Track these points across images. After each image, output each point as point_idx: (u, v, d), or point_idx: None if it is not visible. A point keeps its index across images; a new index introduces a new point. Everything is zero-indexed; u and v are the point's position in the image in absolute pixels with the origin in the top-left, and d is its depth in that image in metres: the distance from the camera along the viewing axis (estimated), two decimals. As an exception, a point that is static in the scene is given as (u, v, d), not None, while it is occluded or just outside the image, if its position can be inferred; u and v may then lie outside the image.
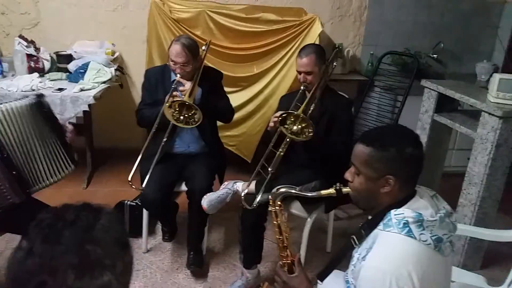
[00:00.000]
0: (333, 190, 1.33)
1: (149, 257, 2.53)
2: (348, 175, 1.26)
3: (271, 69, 3.20)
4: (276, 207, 1.44)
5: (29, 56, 3.22)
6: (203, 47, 2.42)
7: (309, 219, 2.26)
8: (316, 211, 2.29)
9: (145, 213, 2.46)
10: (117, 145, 3.64)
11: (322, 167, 2.22)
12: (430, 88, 2.80)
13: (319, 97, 2.26)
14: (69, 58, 3.30)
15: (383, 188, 1.18)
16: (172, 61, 2.26)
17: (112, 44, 3.42)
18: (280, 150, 2.11)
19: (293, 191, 1.44)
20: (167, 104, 2.11)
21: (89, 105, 3.00)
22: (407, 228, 1.10)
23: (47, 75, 3.23)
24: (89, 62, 3.21)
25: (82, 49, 3.33)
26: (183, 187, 2.41)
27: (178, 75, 2.27)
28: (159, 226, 2.76)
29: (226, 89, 3.24)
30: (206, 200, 2.14)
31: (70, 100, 2.94)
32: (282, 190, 1.44)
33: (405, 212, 1.12)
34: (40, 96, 1.95)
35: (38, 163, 1.90)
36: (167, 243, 2.67)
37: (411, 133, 1.22)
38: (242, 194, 2.06)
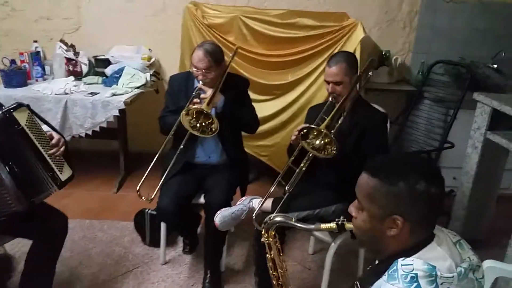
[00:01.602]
0: (334, 225, 1.14)
1: (166, 270, 2.44)
2: (352, 209, 1.07)
3: (307, 77, 3.02)
4: (270, 239, 1.26)
5: (68, 59, 3.28)
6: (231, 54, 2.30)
7: (333, 244, 2.05)
8: (342, 236, 2.07)
9: (163, 224, 2.38)
10: (151, 150, 3.61)
11: (348, 188, 2.00)
12: (483, 103, 2.48)
13: (349, 110, 2.05)
14: (107, 62, 3.33)
15: (389, 230, 0.97)
16: (195, 67, 2.16)
17: (149, 49, 3.40)
18: (301, 166, 1.93)
19: (289, 221, 1.25)
20: (184, 112, 2.01)
21: (121, 110, 2.99)
22: (415, 284, 0.88)
23: (84, 79, 3.28)
24: (124, 67, 3.21)
25: (119, 54, 3.34)
26: (202, 200, 2.30)
27: (200, 82, 2.16)
28: (181, 237, 2.67)
29: (259, 97, 3.15)
30: (219, 216, 2.00)
31: (101, 104, 2.94)
32: (277, 219, 1.25)
33: (415, 263, 0.91)
34: (9, 111, 1.69)
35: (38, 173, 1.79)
36: (187, 256, 2.57)
37: (428, 165, 1.01)
38: (254, 214, 1.90)
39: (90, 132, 3.01)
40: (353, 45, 2.95)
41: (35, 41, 3.32)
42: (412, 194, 0.94)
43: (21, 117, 1.72)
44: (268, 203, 1.97)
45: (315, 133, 1.89)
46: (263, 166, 3.31)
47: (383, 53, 3.50)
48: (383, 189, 0.97)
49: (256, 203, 2.06)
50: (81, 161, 3.78)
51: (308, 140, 1.90)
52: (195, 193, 2.33)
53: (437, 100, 3.22)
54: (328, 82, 2.04)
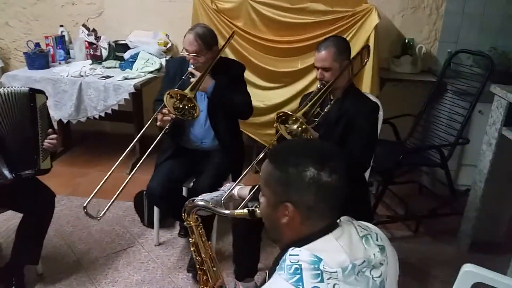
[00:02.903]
0: (245, 211, 1.10)
1: (158, 251, 2.49)
2: (260, 195, 1.02)
3: (317, 64, 2.92)
4: (191, 222, 1.24)
5: (89, 43, 3.40)
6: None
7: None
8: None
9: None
10: (167, 134, 3.69)
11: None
12: (499, 96, 2.27)
13: (338, 98, 1.97)
14: (125, 47, 3.42)
15: (283, 217, 0.92)
16: (186, 50, 2.16)
17: (166, 34, 3.45)
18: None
19: (208, 206, 1.22)
20: (167, 94, 2.02)
21: (134, 94, 3.07)
22: (298, 276, 0.83)
23: (104, 63, 3.39)
24: (139, 52, 3.28)
25: (137, 39, 3.41)
26: (192, 185, 2.31)
27: (192, 66, 2.16)
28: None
29: (268, 84, 3.10)
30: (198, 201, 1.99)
31: (113, 88, 3.03)
32: (198, 203, 1.23)
33: (301, 254, 0.85)
34: (33, 90, 1.92)
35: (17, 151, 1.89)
36: (182, 239, 2.60)
37: (324, 152, 0.94)
38: (223, 198, 1.88)
39: (103, 114, 3.12)
40: (367, 31, 2.82)
41: (61, 26, 3.47)
42: (301, 181, 0.89)
43: (39, 100, 1.94)
44: (247, 190, 1.94)
45: (293, 119, 1.82)
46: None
47: (406, 41, 3.31)
48: (276, 175, 0.93)
49: (237, 189, 2.03)
50: (102, 142, 3.95)
51: (287, 125, 1.83)
52: (187, 177, 2.34)
53: (460, 93, 3.00)
54: (317, 68, 1.96)
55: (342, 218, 0.96)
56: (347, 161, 1.80)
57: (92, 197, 2.04)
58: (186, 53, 2.16)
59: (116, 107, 3.08)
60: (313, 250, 0.85)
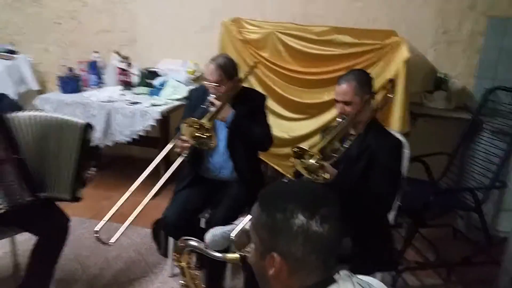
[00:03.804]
0: (238, 255, 1.02)
1: (172, 282, 2.43)
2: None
3: (343, 97, 2.85)
4: (183, 262, 1.17)
5: (122, 70, 3.50)
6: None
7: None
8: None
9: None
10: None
11: (355, 220, 1.83)
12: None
13: (360, 133, 1.89)
14: (155, 74, 3.49)
15: (270, 268, 0.84)
16: (207, 80, 2.16)
17: (195, 63, 3.50)
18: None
19: (200, 247, 1.15)
20: (184, 123, 2.01)
21: (160, 120, 3.10)
22: None
23: (134, 89, 3.47)
24: (168, 80, 3.34)
25: (166, 66, 3.48)
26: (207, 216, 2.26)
27: (212, 96, 2.15)
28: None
29: (293, 115, 3.05)
30: (209, 234, 1.94)
31: (140, 114, 3.08)
32: (190, 243, 1.16)
33: None
34: (88, 125, 2.02)
35: (46, 173, 1.96)
36: (197, 272, 2.53)
37: (317, 198, 0.85)
38: (233, 233, 1.81)
39: (130, 139, 3.16)
40: (396, 65, 2.74)
41: (96, 52, 3.60)
42: (288, 229, 0.81)
43: (90, 135, 2.04)
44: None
45: (309, 154, 1.75)
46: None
47: (438, 75, 3.19)
48: (262, 219, 0.85)
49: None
50: (129, 167, 3.99)
51: (303, 160, 1.76)
52: (204, 207, 2.30)
53: (497, 132, 2.83)
54: (337, 102, 1.90)
55: (341, 272, 0.87)
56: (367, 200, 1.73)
57: (106, 222, 2.03)
58: (207, 82, 2.16)
59: (142, 133, 3.11)
60: None
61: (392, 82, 2.00)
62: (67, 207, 2.82)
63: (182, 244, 1.16)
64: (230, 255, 1.07)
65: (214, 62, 2.14)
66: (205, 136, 2.02)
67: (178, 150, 2.14)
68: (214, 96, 2.15)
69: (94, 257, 2.60)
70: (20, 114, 1.90)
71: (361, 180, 1.83)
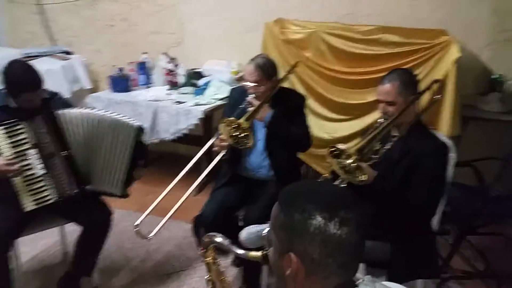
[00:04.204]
0: (260, 254, 1.01)
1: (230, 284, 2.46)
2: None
3: (389, 98, 2.76)
4: (208, 258, 1.18)
5: (169, 71, 3.60)
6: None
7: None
8: (379, 279, 1.82)
9: (209, 231, 2.42)
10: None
11: (394, 225, 1.78)
12: None
13: (403, 135, 1.82)
14: (200, 75, 3.56)
15: (287, 268, 0.83)
16: (246, 80, 2.18)
17: (238, 64, 3.53)
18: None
19: (225, 243, 1.15)
20: (223, 122, 2.04)
21: (203, 119, 3.16)
22: None
23: (180, 89, 3.56)
24: (212, 80, 3.40)
25: (211, 67, 3.54)
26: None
27: (250, 96, 2.17)
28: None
29: (336, 116, 3.00)
30: (245, 233, 1.94)
31: (184, 112, 3.15)
32: (214, 239, 1.17)
33: None
34: (142, 128, 2.12)
35: (97, 168, 2.06)
36: (234, 269, 2.56)
37: (338, 199, 0.83)
38: (263, 233, 1.80)
39: (174, 137, 3.25)
40: (446, 65, 2.62)
41: (145, 53, 3.73)
42: (305, 230, 0.79)
43: (142, 136, 2.14)
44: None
45: (346, 154, 1.71)
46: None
47: (492, 77, 3.01)
48: (280, 219, 0.84)
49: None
50: (175, 164, 4.09)
51: (340, 160, 1.72)
52: (241, 205, 2.31)
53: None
54: (380, 102, 1.85)
55: (365, 278, 0.85)
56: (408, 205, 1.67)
57: (148, 216, 2.11)
58: (245, 83, 2.18)
59: (186, 131, 3.19)
60: None
61: (438, 83, 1.90)
62: (114, 200, 2.95)
63: (207, 240, 1.18)
64: (252, 253, 1.06)
65: (253, 62, 2.15)
66: (242, 136, 2.03)
67: (216, 149, 2.18)
68: (253, 96, 2.16)
69: (136, 249, 2.70)
70: (71, 110, 2.01)
71: (401, 184, 1.77)
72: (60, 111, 1.98)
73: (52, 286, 2.21)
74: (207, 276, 1.23)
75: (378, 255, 1.77)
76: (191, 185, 3.61)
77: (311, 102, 3.00)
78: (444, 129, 2.64)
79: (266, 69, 2.13)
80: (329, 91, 2.92)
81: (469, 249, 2.73)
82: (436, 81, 1.89)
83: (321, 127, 3.02)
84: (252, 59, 2.18)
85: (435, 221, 1.91)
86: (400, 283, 1.79)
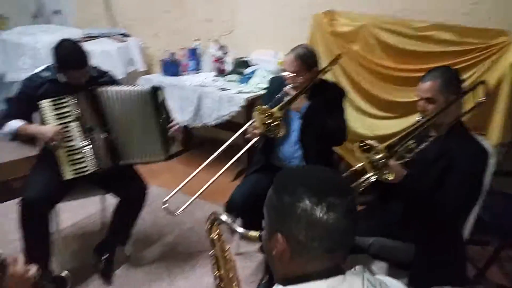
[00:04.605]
0: (257, 233, 1.04)
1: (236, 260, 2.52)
2: None
3: (437, 98, 2.65)
4: (213, 234, 1.22)
5: (217, 58, 3.68)
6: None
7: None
8: (400, 280, 1.77)
9: (239, 216, 2.47)
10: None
11: (419, 227, 1.72)
12: None
13: (441, 136, 1.75)
14: (247, 64, 3.61)
15: (274, 249, 0.85)
16: (285, 70, 2.18)
17: (285, 54, 3.52)
18: (355, 184, 1.74)
19: (228, 221, 1.19)
20: (256, 110, 2.06)
21: (244, 106, 3.21)
22: None
23: (226, 76, 3.63)
24: (258, 69, 3.43)
25: (258, 57, 3.57)
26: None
27: (288, 86, 2.17)
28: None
29: (380, 113, 2.94)
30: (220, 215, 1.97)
31: (227, 99, 3.22)
32: (220, 217, 1.21)
33: None
34: (155, 88, 2.17)
35: (134, 142, 2.16)
36: (260, 255, 2.60)
37: (329, 185, 0.83)
38: None
39: (215, 123, 3.33)
40: (501, 68, 2.47)
41: (197, 40, 3.83)
42: (293, 212, 0.80)
43: (160, 96, 2.18)
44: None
45: (376, 150, 1.67)
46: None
47: None
48: (272, 200, 0.87)
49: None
50: (217, 148, 4.18)
51: (368, 155, 1.69)
52: (271, 194, 2.34)
53: None
54: (419, 99, 1.79)
55: (357, 267, 0.85)
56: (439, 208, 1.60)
57: (174, 194, 2.22)
58: (285, 72, 2.18)
59: (228, 118, 3.25)
60: None
61: (484, 84, 1.79)
62: (157, 178, 3.10)
63: (212, 217, 1.22)
64: (251, 233, 1.11)
65: (293, 52, 2.15)
66: (273, 125, 2.04)
67: (248, 136, 2.21)
68: (291, 86, 2.16)
69: (171, 225, 2.81)
70: (111, 88, 2.11)
71: (434, 185, 1.70)
72: (102, 89, 2.09)
73: (89, 251, 2.36)
74: (211, 252, 1.27)
75: (401, 255, 1.73)
76: (230, 169, 3.69)
77: (354, 97, 2.95)
78: (494, 135, 2.50)
79: (305, 59, 2.12)
80: (375, 87, 2.86)
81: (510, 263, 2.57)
82: (481, 82, 1.78)
83: (363, 123, 2.96)
84: (293, 49, 2.18)
85: (466, 229, 1.83)
86: (422, 287, 1.75)
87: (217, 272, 1.23)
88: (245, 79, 3.45)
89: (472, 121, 2.55)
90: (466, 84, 2.31)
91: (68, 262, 2.38)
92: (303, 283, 0.79)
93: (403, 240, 1.76)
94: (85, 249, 2.44)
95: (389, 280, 0.88)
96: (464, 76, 2.55)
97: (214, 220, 1.23)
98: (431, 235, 1.70)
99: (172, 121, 2.23)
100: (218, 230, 1.25)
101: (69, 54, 1.99)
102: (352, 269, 0.84)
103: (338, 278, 0.81)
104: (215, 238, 1.24)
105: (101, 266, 2.27)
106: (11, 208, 2.00)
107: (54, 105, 2.01)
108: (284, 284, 0.81)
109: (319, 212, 0.80)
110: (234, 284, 1.24)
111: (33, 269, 1.21)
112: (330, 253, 0.82)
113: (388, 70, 2.81)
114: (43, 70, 2.15)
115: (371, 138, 2.89)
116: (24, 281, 1.16)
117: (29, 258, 1.88)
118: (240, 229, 1.16)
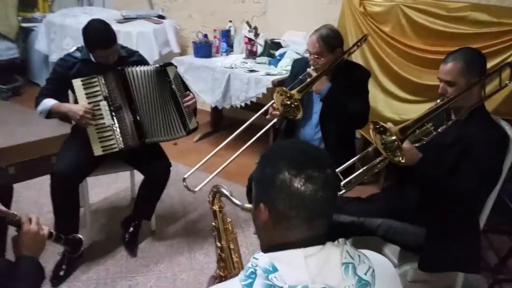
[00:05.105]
0: (251, 206, 1.06)
1: (253, 239, 2.57)
2: None
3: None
4: (215, 206, 1.26)
5: (249, 39, 3.69)
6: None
7: (397, 269, 1.76)
8: (411, 263, 1.76)
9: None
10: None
11: (432, 211, 1.69)
12: None
13: (460, 119, 1.70)
14: (278, 45, 3.60)
15: (258, 218, 0.90)
16: (308, 51, 2.17)
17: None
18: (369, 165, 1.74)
19: (228, 194, 1.24)
20: (276, 91, 2.07)
21: (271, 89, 3.21)
22: (251, 280, 0.80)
23: (257, 58, 3.63)
24: (286, 51, 3.41)
25: (290, 38, 3.55)
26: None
27: (311, 67, 2.16)
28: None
29: (409, 96, 2.87)
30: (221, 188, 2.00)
31: (255, 81, 3.23)
32: (221, 189, 1.26)
33: (260, 259, 0.82)
34: (165, 65, 2.22)
35: (157, 120, 2.23)
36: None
37: (311, 160, 0.86)
38: None
39: (243, 104, 3.36)
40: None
41: (230, 21, 3.85)
42: (273, 183, 0.85)
43: (171, 72, 2.23)
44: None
45: (389, 132, 1.65)
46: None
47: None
48: (258, 172, 0.91)
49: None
50: (245, 130, 4.23)
51: (383, 136, 1.67)
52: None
53: None
54: (440, 81, 1.74)
55: (340, 240, 0.87)
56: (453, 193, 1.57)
57: (194, 171, 2.27)
58: (307, 54, 2.17)
59: (254, 99, 3.28)
60: (274, 259, 0.81)
61: (510, 67, 1.70)
62: (186, 158, 3.17)
63: (214, 190, 1.27)
64: (246, 205, 1.16)
65: (316, 33, 2.13)
66: (292, 106, 2.04)
67: (268, 116, 2.23)
68: (313, 68, 2.15)
69: (195, 203, 2.90)
70: (137, 68, 2.18)
71: (451, 169, 1.65)
72: (129, 68, 2.17)
73: (117, 224, 2.50)
74: (213, 223, 1.32)
75: (411, 238, 1.72)
76: (257, 150, 3.72)
77: (383, 80, 2.88)
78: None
79: (328, 40, 2.10)
80: (404, 69, 2.77)
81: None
82: (507, 64, 1.70)
83: (391, 107, 2.89)
84: (317, 30, 2.16)
85: (484, 215, 1.77)
86: (431, 271, 1.73)
87: (217, 242, 1.29)
88: (275, 61, 3.45)
89: (506, 106, 2.46)
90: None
91: (96, 234, 2.52)
92: (282, 251, 0.83)
93: (415, 223, 1.73)
94: (114, 222, 2.58)
95: (372, 254, 0.90)
96: (499, 59, 2.44)
97: (215, 193, 1.28)
98: (445, 220, 1.66)
99: (188, 93, 2.27)
100: (220, 203, 1.30)
101: (96, 33, 2.08)
102: (336, 242, 0.86)
103: (316, 247, 0.84)
104: (217, 210, 1.29)
105: (126, 239, 2.40)
106: (48, 182, 2.14)
107: (84, 84, 2.12)
108: (265, 252, 0.85)
109: (297, 184, 0.83)
110: (235, 255, 1.29)
111: (46, 229, 1.31)
112: (308, 222, 0.85)
113: (418, 51, 2.72)
114: (76, 50, 2.27)
115: (399, 123, 2.85)
116: (37, 238, 1.27)
117: (58, 228, 2.03)
118: (237, 201, 1.20)
